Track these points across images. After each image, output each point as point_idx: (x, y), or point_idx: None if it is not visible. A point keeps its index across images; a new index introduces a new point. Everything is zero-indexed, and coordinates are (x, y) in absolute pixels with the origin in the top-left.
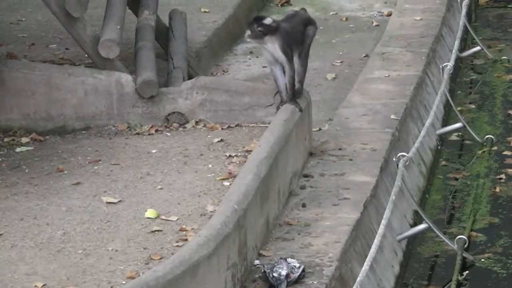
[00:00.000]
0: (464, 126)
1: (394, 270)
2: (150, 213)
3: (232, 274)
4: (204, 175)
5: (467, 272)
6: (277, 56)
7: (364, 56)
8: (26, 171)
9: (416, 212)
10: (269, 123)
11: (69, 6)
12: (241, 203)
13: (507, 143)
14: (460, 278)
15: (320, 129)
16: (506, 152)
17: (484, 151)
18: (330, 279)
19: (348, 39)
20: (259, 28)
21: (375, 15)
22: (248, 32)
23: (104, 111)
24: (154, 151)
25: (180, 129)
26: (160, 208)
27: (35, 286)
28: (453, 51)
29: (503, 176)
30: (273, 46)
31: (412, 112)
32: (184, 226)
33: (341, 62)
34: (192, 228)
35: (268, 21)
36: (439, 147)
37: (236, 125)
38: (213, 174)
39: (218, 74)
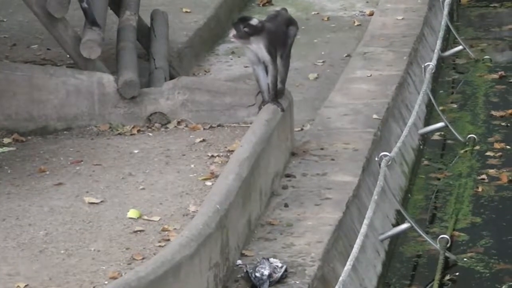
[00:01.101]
0: (446, 126)
1: (377, 270)
2: (132, 213)
3: (214, 274)
4: (186, 175)
5: (449, 271)
6: (261, 56)
7: (346, 56)
8: (8, 171)
9: (398, 212)
10: (251, 123)
11: (50, 6)
12: (223, 203)
13: (490, 143)
14: (442, 277)
15: (302, 129)
16: (488, 152)
17: (466, 151)
18: (313, 279)
19: (330, 39)
20: (245, 29)
21: (356, 14)
22: (233, 33)
23: (86, 111)
24: (136, 151)
25: (162, 129)
26: (142, 208)
27: (18, 286)
28: (435, 50)
29: (485, 176)
30: (258, 46)
31: (394, 111)
32: (166, 226)
33: (323, 62)
34: (175, 228)
35: (254, 21)
36: (421, 146)
37: (218, 125)
38: (195, 174)
39: (200, 74)
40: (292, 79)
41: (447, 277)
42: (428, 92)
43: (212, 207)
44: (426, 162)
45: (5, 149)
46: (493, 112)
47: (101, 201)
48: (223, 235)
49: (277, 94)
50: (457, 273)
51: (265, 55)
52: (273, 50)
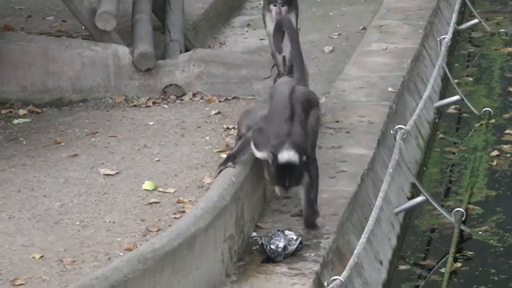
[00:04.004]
0: (462, 99)
1: (391, 243)
2: (147, 185)
3: (229, 246)
4: (202, 147)
5: (464, 245)
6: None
7: (362, 29)
8: (24, 143)
9: (413, 185)
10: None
11: None
12: (238, 175)
13: (505, 117)
14: (457, 251)
15: None
16: (504, 126)
17: (481, 124)
18: (327, 252)
19: (346, 12)
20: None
21: None
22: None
23: (101, 83)
24: (151, 123)
25: (177, 101)
26: (157, 180)
27: (33, 257)
28: (451, 24)
29: (500, 149)
30: (290, 16)
31: (410, 85)
32: (181, 198)
33: (338, 34)
34: (189, 200)
35: None
36: (436, 120)
37: (233, 98)
38: (210, 147)
39: (215, 46)
40: (307, 52)
41: (462, 250)
42: (443, 65)
43: (227, 179)
44: (441, 136)
45: (21, 120)
46: (510, 89)
47: (116, 173)
48: (238, 207)
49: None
50: (471, 247)
51: (293, 25)
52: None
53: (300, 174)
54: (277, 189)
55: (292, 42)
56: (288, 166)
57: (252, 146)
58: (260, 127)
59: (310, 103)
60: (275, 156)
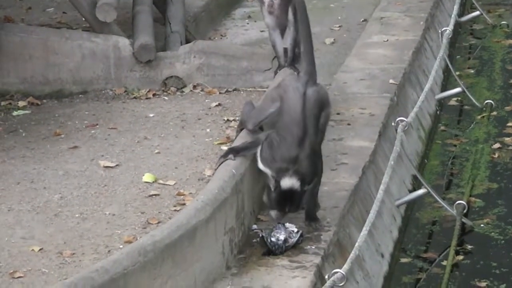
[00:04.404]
0: (464, 91)
1: (393, 236)
2: (147, 177)
3: (229, 238)
4: (202, 139)
5: (466, 237)
6: (290, 19)
7: (363, 21)
8: (23, 135)
9: (414, 177)
10: (266, 88)
11: None
12: (239, 167)
13: (507, 110)
14: (459, 244)
15: None
16: (505, 118)
17: (483, 116)
18: (328, 244)
19: (347, 4)
20: None
21: None
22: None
23: (102, 75)
24: (151, 115)
25: (178, 93)
26: (157, 172)
27: (32, 250)
28: (452, 15)
29: (502, 141)
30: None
31: (411, 77)
32: (181, 191)
33: (339, 26)
34: (190, 193)
35: None
36: (438, 112)
37: (234, 90)
38: (210, 139)
39: (216, 38)
40: None
41: (463, 243)
42: (445, 57)
43: (227, 171)
44: (442, 128)
45: (20, 112)
46: None
47: (116, 165)
48: (239, 200)
49: (295, 58)
50: (473, 239)
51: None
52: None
53: (301, 201)
54: (273, 214)
55: (302, 27)
56: (289, 194)
57: (258, 156)
58: (271, 140)
59: (322, 106)
60: (277, 182)
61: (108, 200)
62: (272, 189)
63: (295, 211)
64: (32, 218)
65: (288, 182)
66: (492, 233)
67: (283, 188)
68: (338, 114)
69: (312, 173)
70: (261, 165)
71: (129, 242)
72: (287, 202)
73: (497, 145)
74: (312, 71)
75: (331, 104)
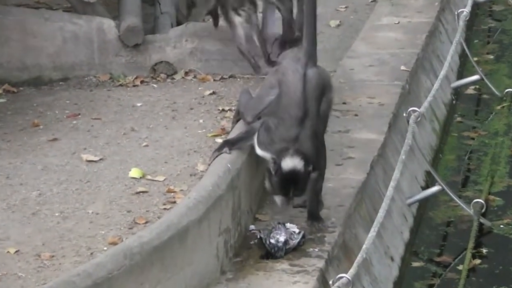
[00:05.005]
0: (482, 79)
1: (404, 237)
2: (134, 172)
3: (224, 240)
4: (195, 131)
5: (484, 239)
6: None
7: (372, 1)
8: None
9: (428, 173)
10: (265, 74)
11: None
12: (235, 162)
13: None
14: (476, 246)
15: None
16: None
17: (503, 107)
18: (333, 246)
19: None
20: None
21: None
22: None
23: (84, 60)
24: (139, 104)
25: (168, 80)
26: (145, 167)
27: (7, 252)
28: None
29: None
30: None
31: (424, 63)
32: (172, 187)
33: (345, 7)
34: (181, 190)
35: None
36: (453, 101)
37: (229, 77)
38: (204, 130)
39: (210, 20)
40: None
41: (481, 246)
42: (461, 41)
43: (222, 166)
44: (459, 119)
45: None
46: None
47: (100, 159)
48: (235, 197)
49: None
50: (492, 242)
51: None
52: None
53: (305, 184)
54: (277, 200)
55: (307, 3)
56: (292, 175)
57: (255, 141)
58: (268, 124)
59: (324, 89)
60: (278, 163)
61: (91, 198)
62: (273, 172)
63: (300, 195)
64: (8, 217)
65: (290, 162)
66: None
67: (285, 169)
68: (344, 103)
69: (315, 154)
70: (259, 150)
71: (114, 243)
72: (290, 185)
73: None
74: (313, 53)
75: (333, 89)
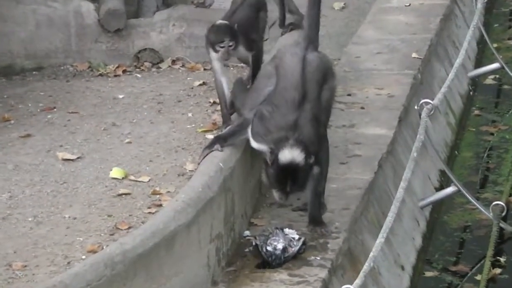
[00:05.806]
0: (502, 67)
1: (415, 244)
2: (116, 172)
3: (216, 247)
4: (183, 126)
5: (504, 246)
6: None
7: None
8: None
9: (442, 173)
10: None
11: None
12: (227, 160)
13: None
14: (496, 253)
15: None
16: None
17: None
18: (337, 254)
19: None
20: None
21: None
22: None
23: (60, 47)
24: (121, 96)
25: (153, 69)
26: (128, 166)
27: None
28: None
29: None
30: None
31: (438, 50)
32: (157, 189)
33: None
34: (168, 191)
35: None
36: (471, 93)
37: None
38: (193, 125)
39: (200, 2)
40: None
41: (501, 254)
42: (480, 26)
43: (214, 165)
44: (476, 112)
45: None
46: None
47: (78, 158)
48: (228, 199)
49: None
50: None
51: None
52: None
53: (306, 178)
54: (275, 194)
55: None
56: (291, 168)
57: (249, 133)
58: (262, 112)
59: (325, 75)
60: (275, 155)
61: (67, 201)
62: (270, 163)
63: (298, 190)
64: None
65: (288, 154)
66: None
67: (282, 161)
68: (349, 95)
69: (316, 143)
70: (254, 143)
71: (93, 251)
72: (288, 179)
73: None
74: (314, 37)
75: (336, 76)
